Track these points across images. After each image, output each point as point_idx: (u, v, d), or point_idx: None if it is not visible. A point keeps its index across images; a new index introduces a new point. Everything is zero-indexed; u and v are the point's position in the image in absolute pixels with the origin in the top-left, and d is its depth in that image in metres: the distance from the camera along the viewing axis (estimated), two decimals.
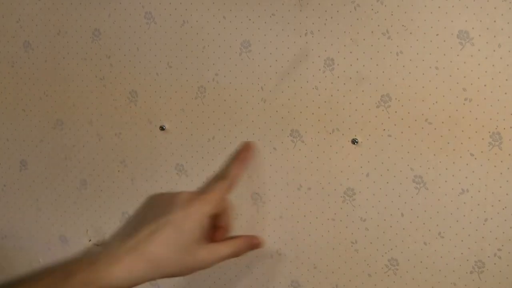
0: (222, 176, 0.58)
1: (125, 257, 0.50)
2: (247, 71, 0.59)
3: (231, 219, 0.59)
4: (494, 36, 0.51)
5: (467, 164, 0.53)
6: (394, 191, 0.56)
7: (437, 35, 0.53)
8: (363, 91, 0.56)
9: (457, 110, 0.53)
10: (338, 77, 0.56)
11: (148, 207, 0.57)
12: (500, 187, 0.53)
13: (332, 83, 0.57)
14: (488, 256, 0.54)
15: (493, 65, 0.52)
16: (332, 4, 0.56)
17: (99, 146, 0.66)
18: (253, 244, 0.59)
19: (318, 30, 0.56)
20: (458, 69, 0.53)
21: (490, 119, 0.52)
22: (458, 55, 0.52)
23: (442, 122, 0.54)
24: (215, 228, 0.57)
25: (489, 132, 0.52)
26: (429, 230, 0.55)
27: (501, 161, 0.52)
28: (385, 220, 0.57)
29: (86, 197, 0.68)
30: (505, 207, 0.53)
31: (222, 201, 0.56)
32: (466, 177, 0.54)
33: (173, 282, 0.65)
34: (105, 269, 0.49)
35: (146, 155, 0.64)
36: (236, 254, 0.57)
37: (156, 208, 0.55)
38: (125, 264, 0.50)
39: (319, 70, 0.57)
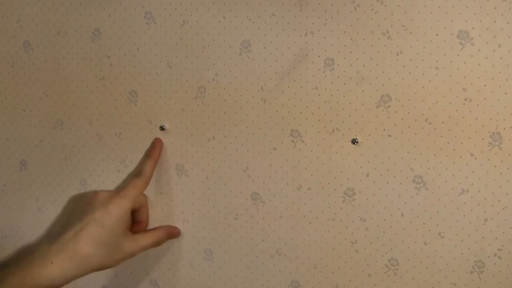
0: (137, 174, 0.63)
1: (55, 258, 0.55)
2: (247, 71, 0.59)
3: (147, 213, 0.64)
4: (494, 36, 0.51)
5: (467, 164, 0.53)
6: (394, 191, 0.56)
7: (437, 35, 0.53)
8: (363, 91, 0.56)
9: (457, 110, 0.53)
10: (338, 77, 0.56)
11: (71, 208, 0.62)
12: (500, 187, 0.53)
13: (332, 83, 0.57)
14: (488, 256, 0.54)
15: (493, 65, 0.52)
16: (332, 4, 0.56)
17: (99, 146, 0.66)
18: (171, 233, 0.64)
19: (318, 30, 0.56)
20: (458, 69, 0.53)
21: (490, 119, 0.52)
22: (458, 55, 0.52)
23: (442, 122, 0.54)
24: (135, 223, 0.63)
25: (489, 132, 0.52)
26: (429, 230, 0.55)
27: (501, 161, 0.52)
28: (385, 220, 0.57)
29: None
30: (505, 207, 0.53)
31: (138, 197, 0.61)
32: (466, 177, 0.54)
33: (174, 282, 0.65)
34: (38, 270, 0.54)
35: None
36: (157, 243, 0.62)
37: (78, 208, 0.60)
38: (56, 264, 0.54)
39: (319, 70, 0.57)
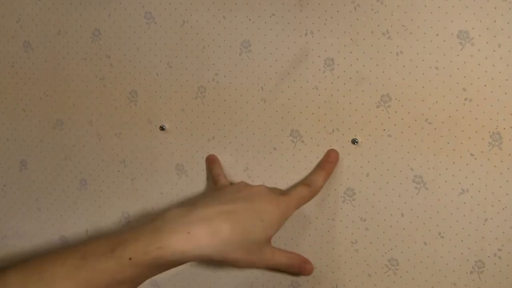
0: (307, 183, 0.56)
1: (193, 228, 0.46)
2: (247, 71, 0.59)
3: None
4: (494, 36, 0.51)
5: (467, 164, 0.53)
6: (394, 191, 0.56)
7: (437, 35, 0.53)
8: (363, 91, 0.56)
9: (457, 110, 0.53)
10: (338, 77, 0.56)
11: (219, 190, 0.55)
12: (500, 187, 0.53)
13: (332, 83, 0.57)
14: (488, 256, 0.54)
15: (493, 65, 0.52)
16: (332, 4, 0.56)
17: (99, 146, 0.66)
18: (304, 267, 0.58)
19: (318, 30, 0.56)
20: (458, 69, 0.53)
21: (490, 119, 0.52)
22: (458, 55, 0.52)
23: (442, 122, 0.54)
24: None
25: (489, 132, 0.52)
26: (429, 230, 0.55)
27: (501, 161, 0.52)
28: (385, 220, 0.57)
29: (86, 197, 0.68)
30: (505, 207, 0.53)
31: (298, 207, 0.55)
32: (466, 177, 0.54)
33: (174, 282, 0.65)
34: (169, 238, 0.45)
35: (146, 155, 0.64)
36: (289, 267, 0.56)
37: (231, 191, 0.53)
38: (193, 235, 0.46)
39: (319, 70, 0.57)
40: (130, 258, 0.44)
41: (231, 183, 0.59)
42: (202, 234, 0.46)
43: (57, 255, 0.45)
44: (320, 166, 0.57)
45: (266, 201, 0.51)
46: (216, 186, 0.59)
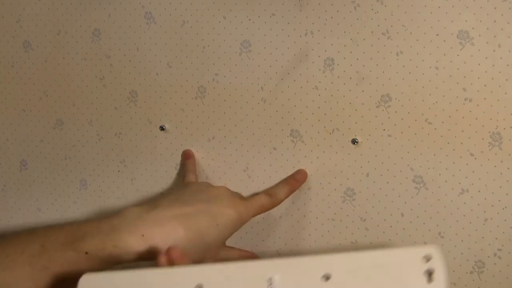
0: (268, 194, 0.56)
1: (147, 231, 0.47)
2: (247, 71, 0.59)
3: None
4: (494, 36, 0.51)
5: (467, 164, 0.53)
6: (394, 191, 0.56)
7: (437, 35, 0.53)
8: (363, 91, 0.56)
9: (457, 110, 0.53)
10: (338, 77, 0.56)
11: (179, 189, 0.56)
12: (500, 187, 0.53)
13: (332, 83, 0.57)
14: (488, 256, 0.54)
15: (493, 65, 0.52)
16: (332, 4, 0.56)
17: (99, 146, 0.66)
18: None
19: (318, 30, 0.56)
20: (458, 69, 0.53)
21: (490, 119, 0.52)
22: (458, 55, 0.52)
23: (442, 122, 0.54)
24: None
25: (489, 132, 0.52)
26: (429, 230, 0.55)
27: (501, 161, 0.52)
28: (385, 220, 0.57)
29: (86, 197, 0.68)
30: (505, 207, 0.53)
31: (256, 215, 0.55)
32: (466, 177, 0.54)
33: None
34: (125, 239, 0.46)
35: (146, 155, 0.64)
36: None
37: (190, 192, 0.53)
38: (147, 239, 0.47)
39: (319, 70, 0.57)
40: (86, 252, 0.46)
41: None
42: (156, 236, 0.47)
43: (19, 241, 0.48)
44: (286, 181, 0.58)
45: (224, 205, 0.52)
46: (183, 181, 0.60)
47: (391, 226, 0.57)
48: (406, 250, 0.44)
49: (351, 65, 0.56)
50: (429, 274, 0.42)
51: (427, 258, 0.42)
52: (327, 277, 0.42)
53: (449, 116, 0.53)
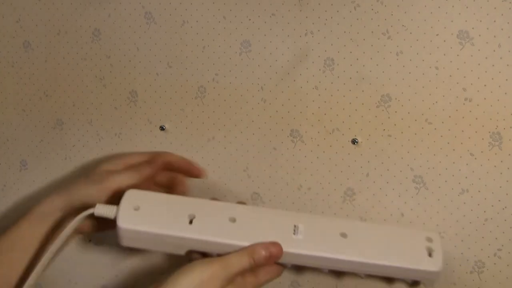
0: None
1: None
2: (247, 71, 0.59)
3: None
4: (494, 36, 0.51)
5: (467, 164, 0.53)
6: (394, 191, 0.56)
7: (437, 35, 0.53)
8: (363, 91, 0.56)
9: (457, 110, 0.53)
10: (338, 77, 0.56)
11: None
12: (500, 187, 0.53)
13: (332, 83, 0.57)
14: (488, 256, 0.54)
15: (493, 65, 0.52)
16: (332, 4, 0.56)
17: (99, 146, 0.66)
18: None
19: (318, 30, 0.56)
20: (458, 69, 0.53)
21: (490, 119, 0.52)
22: (458, 55, 0.52)
23: (442, 122, 0.54)
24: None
25: (489, 132, 0.52)
26: (429, 230, 0.55)
27: (501, 161, 0.52)
28: (385, 220, 0.57)
29: None
30: (505, 207, 0.53)
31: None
32: (466, 177, 0.54)
33: None
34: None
35: None
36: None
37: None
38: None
39: (319, 70, 0.57)
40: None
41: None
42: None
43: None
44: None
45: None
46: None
47: None
48: (411, 230, 0.54)
49: (351, 65, 0.56)
50: (429, 252, 0.51)
51: (429, 240, 0.52)
52: (344, 235, 0.51)
53: (449, 116, 0.53)
